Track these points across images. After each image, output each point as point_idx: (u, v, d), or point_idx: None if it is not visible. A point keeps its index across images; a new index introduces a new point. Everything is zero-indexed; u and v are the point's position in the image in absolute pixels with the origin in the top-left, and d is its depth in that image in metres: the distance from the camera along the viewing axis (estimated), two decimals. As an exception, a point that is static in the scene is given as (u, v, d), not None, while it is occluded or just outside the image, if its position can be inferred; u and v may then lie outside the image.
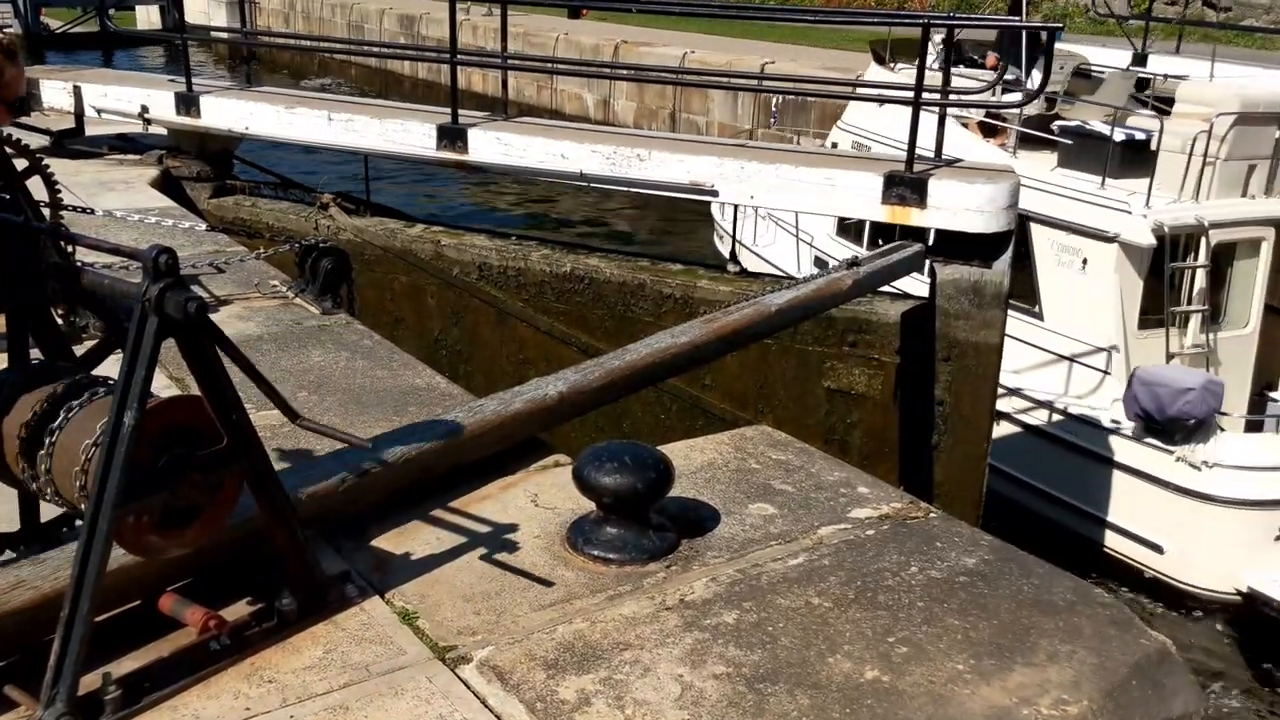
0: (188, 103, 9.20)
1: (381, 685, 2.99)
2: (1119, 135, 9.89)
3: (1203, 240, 9.59)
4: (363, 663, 3.08)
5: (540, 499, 4.04)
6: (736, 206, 8.73)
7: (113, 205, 7.95)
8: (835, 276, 6.19)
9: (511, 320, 8.19)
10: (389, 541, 3.71)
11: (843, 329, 6.98)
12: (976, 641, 3.19)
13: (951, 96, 8.08)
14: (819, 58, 22.08)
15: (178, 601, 3.08)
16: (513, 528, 3.82)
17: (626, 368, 4.68)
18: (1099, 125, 10.27)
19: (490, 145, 7.98)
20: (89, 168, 9.50)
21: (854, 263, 6.38)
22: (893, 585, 3.47)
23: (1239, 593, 9.03)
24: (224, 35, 26.63)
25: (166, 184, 9.33)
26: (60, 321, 3.42)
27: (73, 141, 10.08)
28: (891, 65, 13.05)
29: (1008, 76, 11.08)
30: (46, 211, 5.14)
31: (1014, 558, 3.70)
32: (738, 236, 15.59)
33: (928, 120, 6.76)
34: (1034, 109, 11.00)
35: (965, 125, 10.93)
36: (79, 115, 9.95)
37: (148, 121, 9.55)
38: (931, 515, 3.99)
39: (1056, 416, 9.75)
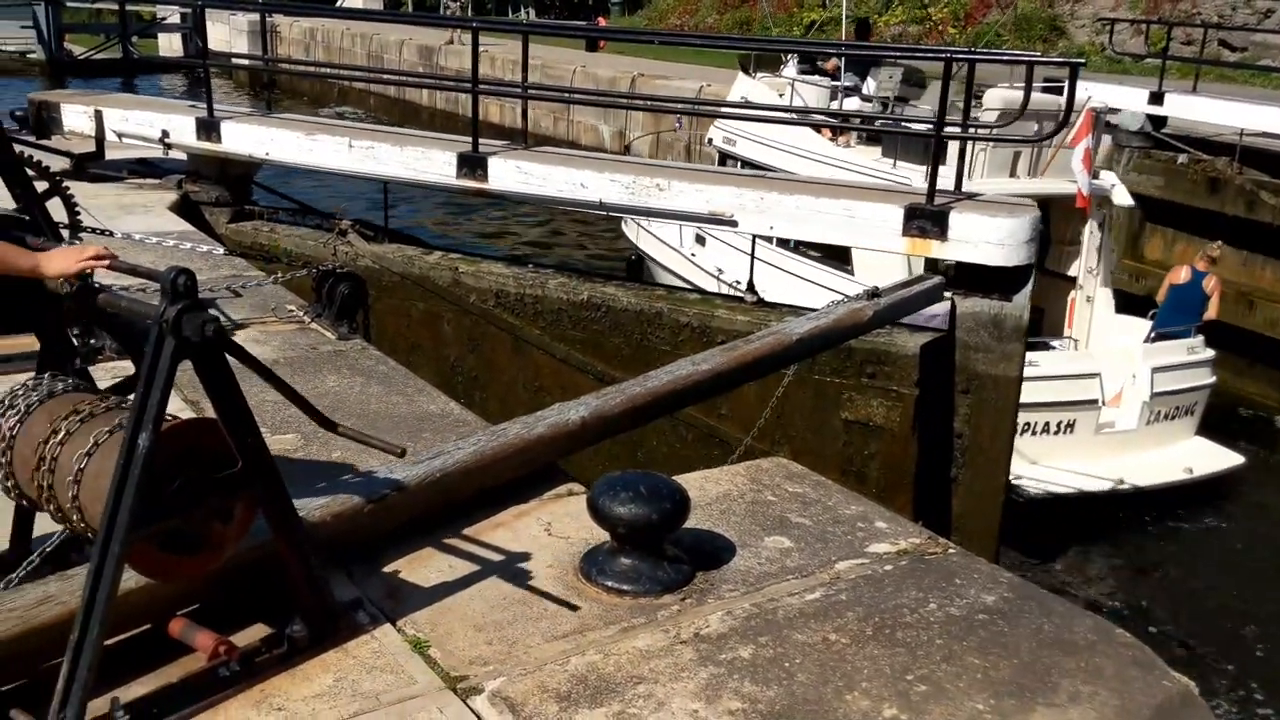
0: (209, 128, 9.24)
1: (392, 715, 2.95)
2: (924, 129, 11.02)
3: None
4: (373, 691, 3.04)
5: (554, 528, 4.01)
6: (755, 235, 8.72)
7: (132, 228, 7.97)
8: (856, 307, 6.16)
9: (528, 348, 8.17)
10: (401, 568, 3.67)
11: (861, 360, 6.94)
12: (997, 681, 3.13)
13: (971, 130, 8.11)
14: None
15: (188, 626, 3.05)
16: (526, 556, 3.78)
17: (648, 394, 4.65)
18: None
19: (510, 174, 7.99)
20: (109, 191, 9.55)
21: (874, 293, 6.35)
22: (911, 622, 3.42)
23: None
24: (245, 62, 26.82)
25: (185, 208, 9.36)
26: (76, 342, 3.40)
27: (93, 165, 10.13)
28: (754, 74, 14.63)
29: (847, 83, 13.03)
30: (65, 233, 5.16)
31: (1034, 595, 3.65)
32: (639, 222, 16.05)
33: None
34: (871, 109, 12.57)
35: (817, 129, 12.39)
36: (100, 139, 10.00)
37: (168, 146, 9.60)
38: (950, 551, 3.94)
39: None
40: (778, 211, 7.06)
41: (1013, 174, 11.09)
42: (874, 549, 3.90)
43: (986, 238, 6.52)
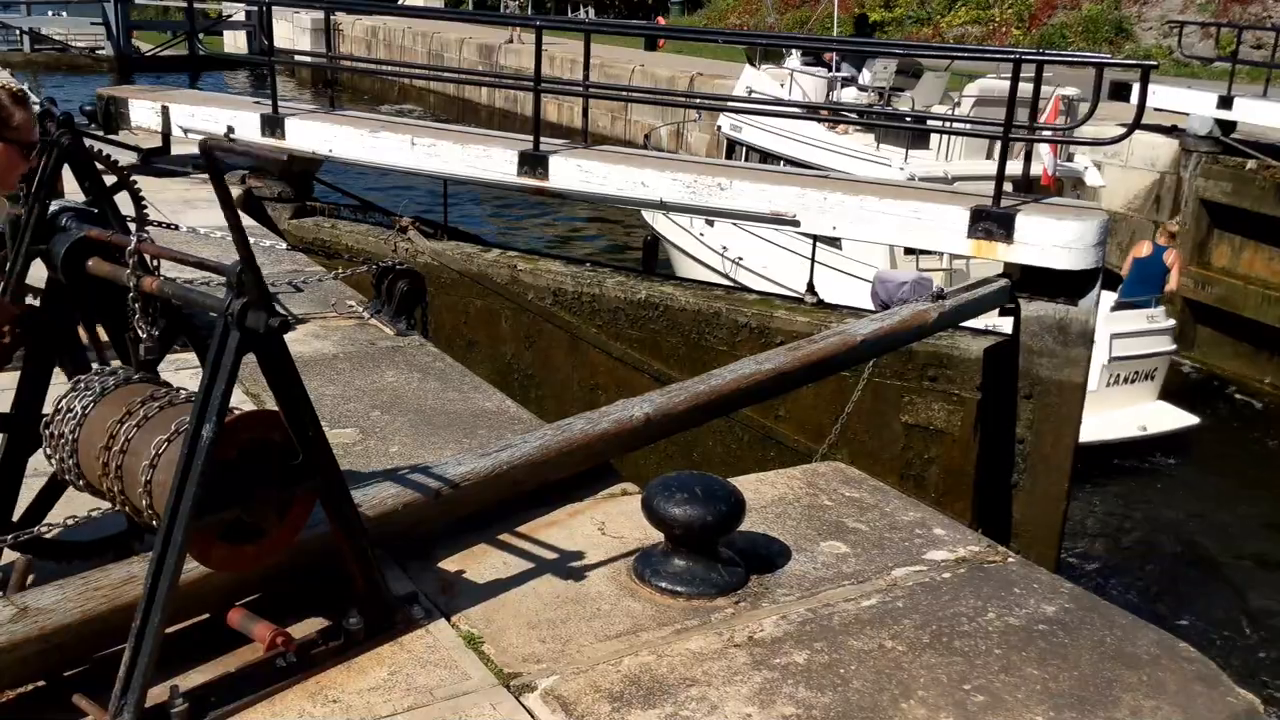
0: (273, 124, 9.35)
1: (445, 710, 2.96)
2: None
3: None
4: (427, 686, 3.04)
5: (607, 527, 3.99)
6: (816, 237, 8.66)
7: (196, 222, 8.09)
8: (921, 309, 6.09)
9: (584, 346, 8.18)
10: (456, 563, 3.68)
11: (923, 363, 6.85)
12: (1056, 693, 3.07)
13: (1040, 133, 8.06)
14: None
15: (246, 616, 3.07)
16: (579, 555, 3.77)
17: (711, 392, 4.62)
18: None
19: (571, 172, 8.00)
20: (174, 186, 9.71)
21: (940, 295, 6.27)
22: (969, 631, 3.36)
23: None
24: (308, 59, 27.15)
25: (249, 204, 9.48)
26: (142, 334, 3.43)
27: (159, 160, 10.31)
28: (758, 66, 15.81)
29: (844, 74, 14.00)
30: (132, 226, 5.22)
31: (1096, 607, 3.58)
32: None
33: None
34: (866, 99, 13.39)
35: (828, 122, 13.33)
36: (166, 135, 10.18)
37: (233, 142, 9.72)
38: (1010, 560, 3.88)
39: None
40: (840, 212, 7.00)
41: (989, 156, 11.55)
42: (932, 556, 3.85)
43: (1053, 241, 6.41)
